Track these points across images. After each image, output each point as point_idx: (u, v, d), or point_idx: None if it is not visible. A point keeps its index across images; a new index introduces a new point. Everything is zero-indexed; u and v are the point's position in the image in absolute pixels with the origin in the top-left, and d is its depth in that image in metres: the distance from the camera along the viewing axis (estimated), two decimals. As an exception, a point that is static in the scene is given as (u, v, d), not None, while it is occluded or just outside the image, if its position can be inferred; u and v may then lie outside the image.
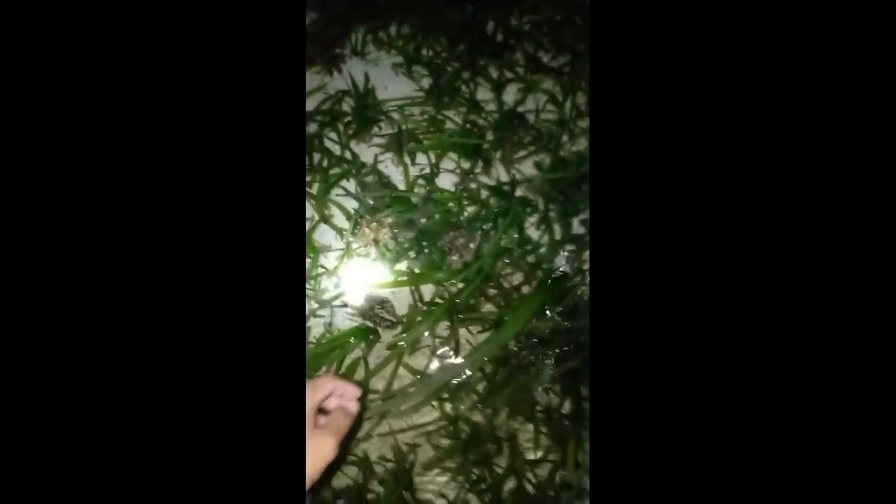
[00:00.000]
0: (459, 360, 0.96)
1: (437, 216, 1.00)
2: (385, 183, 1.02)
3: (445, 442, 0.96)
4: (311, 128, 1.08)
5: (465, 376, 0.90)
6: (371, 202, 1.02)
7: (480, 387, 0.96)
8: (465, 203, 1.02)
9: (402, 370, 0.97)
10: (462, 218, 1.01)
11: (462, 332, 0.98)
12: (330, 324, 0.99)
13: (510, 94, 1.08)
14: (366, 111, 1.08)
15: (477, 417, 0.97)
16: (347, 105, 1.09)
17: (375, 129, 1.08)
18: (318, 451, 0.45)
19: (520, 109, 1.07)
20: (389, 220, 0.99)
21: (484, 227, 1.01)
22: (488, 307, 1.00)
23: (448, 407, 0.96)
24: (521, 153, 1.06)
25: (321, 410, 0.51)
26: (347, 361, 0.98)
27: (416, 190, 1.03)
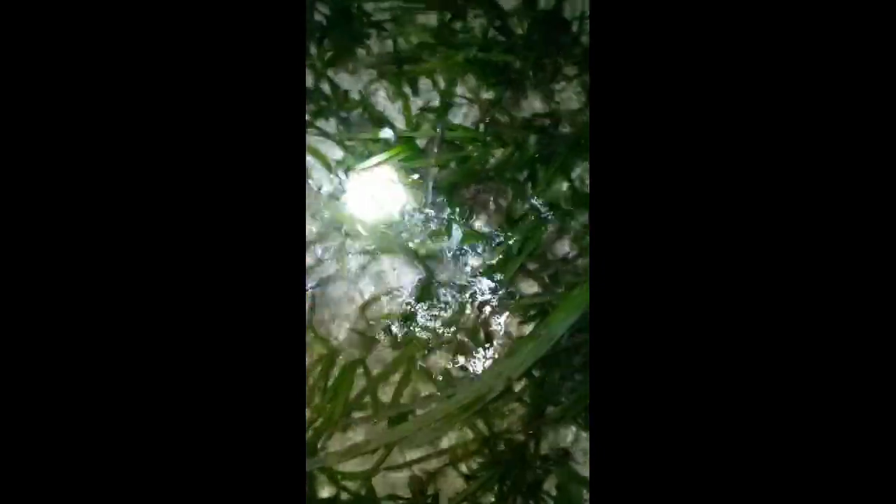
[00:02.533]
0: (492, 362, 0.71)
1: (452, 164, 0.73)
2: (378, 119, 0.74)
3: (477, 467, 0.72)
4: (273, 49, 0.79)
5: (504, 386, 0.64)
6: (359, 148, 0.74)
7: (517, 395, 0.71)
8: (491, 144, 0.74)
9: (415, 377, 0.71)
10: (487, 165, 0.74)
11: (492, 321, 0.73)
12: (311, 309, 0.72)
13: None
14: (347, 23, 0.78)
15: (519, 435, 0.72)
16: (321, 15, 0.80)
17: (361, 50, 0.79)
18: None
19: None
20: (388, 171, 0.71)
21: (518, 176, 0.74)
22: (529, 286, 0.74)
23: (479, 422, 0.71)
24: (564, 75, 0.78)
25: None
26: (339, 364, 0.72)
27: (421, 129, 0.75)
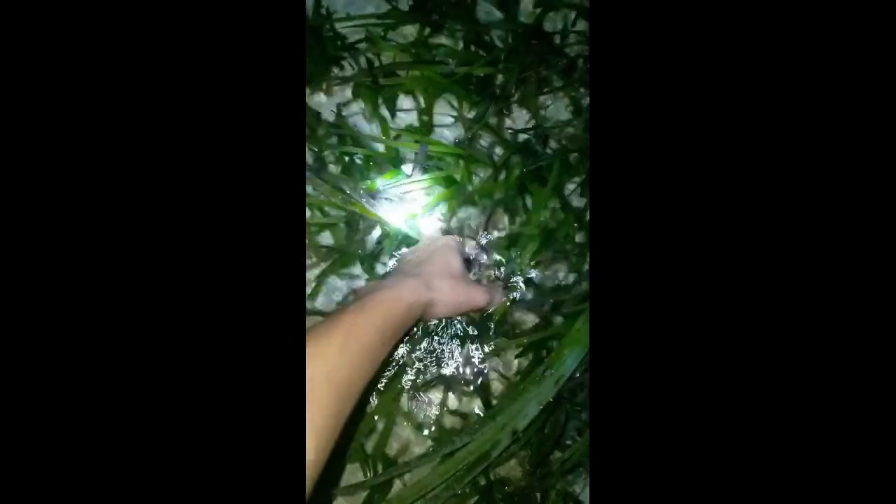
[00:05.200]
0: (493, 409, 0.63)
1: (434, 187, 0.67)
2: (354, 140, 0.68)
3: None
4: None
5: (510, 439, 0.56)
6: (336, 173, 0.68)
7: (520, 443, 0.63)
8: (472, 165, 0.69)
9: (401, 425, 0.64)
10: (470, 187, 0.68)
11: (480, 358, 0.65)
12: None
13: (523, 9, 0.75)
14: (320, 45, 0.74)
15: (521, 478, 0.64)
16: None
17: (335, 70, 0.75)
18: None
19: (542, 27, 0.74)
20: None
21: (506, 196, 0.68)
22: (523, 317, 0.67)
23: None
24: (552, 87, 0.73)
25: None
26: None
27: (400, 149, 0.69)
